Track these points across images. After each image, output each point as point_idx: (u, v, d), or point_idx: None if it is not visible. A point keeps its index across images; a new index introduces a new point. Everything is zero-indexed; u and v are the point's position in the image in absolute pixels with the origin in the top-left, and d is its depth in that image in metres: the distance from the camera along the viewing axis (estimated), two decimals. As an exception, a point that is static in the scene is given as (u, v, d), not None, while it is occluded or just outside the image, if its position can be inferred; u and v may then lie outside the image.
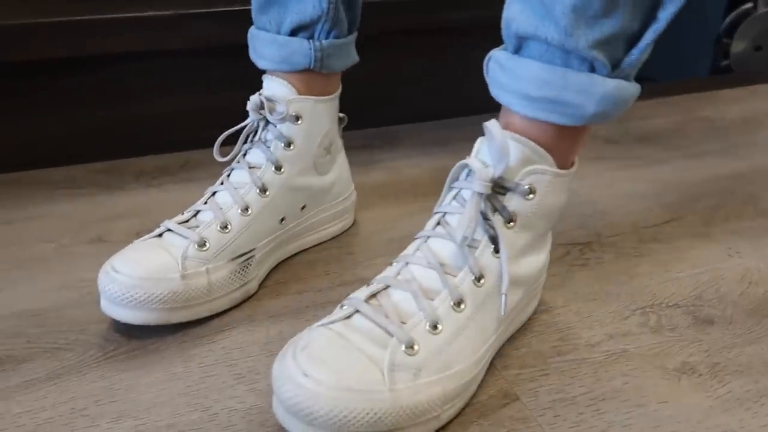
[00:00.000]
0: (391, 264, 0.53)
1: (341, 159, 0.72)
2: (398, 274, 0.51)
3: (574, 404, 0.51)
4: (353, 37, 0.68)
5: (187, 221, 0.61)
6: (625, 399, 0.52)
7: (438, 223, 0.52)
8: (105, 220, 0.77)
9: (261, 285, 0.65)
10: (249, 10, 0.67)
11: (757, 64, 1.47)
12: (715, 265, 0.69)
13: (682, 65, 1.45)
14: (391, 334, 0.46)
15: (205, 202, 0.62)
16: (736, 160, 0.95)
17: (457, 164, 0.52)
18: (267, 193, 0.63)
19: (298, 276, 0.66)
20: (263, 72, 0.67)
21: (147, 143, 0.94)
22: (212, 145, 1.01)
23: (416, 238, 0.53)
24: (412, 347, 0.46)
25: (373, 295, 0.50)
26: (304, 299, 0.63)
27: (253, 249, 0.62)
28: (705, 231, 0.76)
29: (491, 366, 0.54)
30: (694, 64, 1.47)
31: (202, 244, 0.58)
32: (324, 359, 0.45)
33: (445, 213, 0.52)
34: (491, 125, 0.49)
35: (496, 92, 0.53)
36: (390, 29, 0.97)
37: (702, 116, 1.11)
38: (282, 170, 0.64)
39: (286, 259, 0.69)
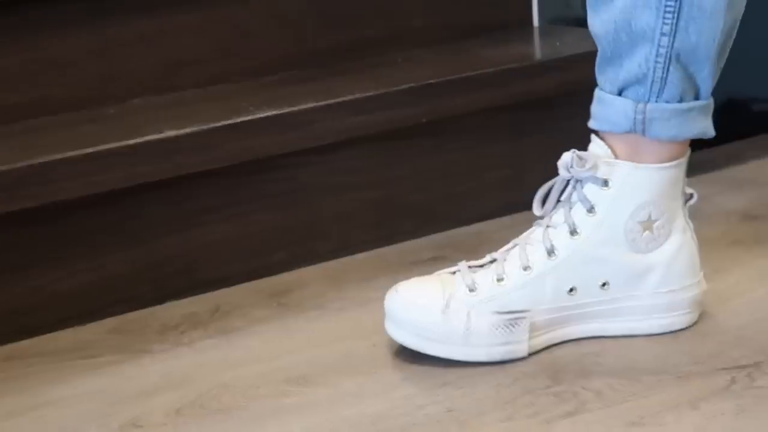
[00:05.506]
0: None
1: (676, 242, 0.64)
2: None
3: None
4: (695, 104, 0.63)
5: (481, 266, 0.64)
6: None
7: None
8: (136, 398, 0.62)
9: None
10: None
11: None
12: None
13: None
14: None
15: (508, 250, 0.64)
16: None
17: None
18: (554, 255, 0.63)
19: None
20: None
21: (164, 287, 0.80)
22: (244, 281, 0.87)
23: None
24: None
25: None
26: None
27: (527, 310, 0.62)
28: None
29: None
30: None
31: (472, 288, 0.62)
32: None
33: None
34: None
35: None
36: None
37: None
38: (578, 235, 0.63)
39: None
